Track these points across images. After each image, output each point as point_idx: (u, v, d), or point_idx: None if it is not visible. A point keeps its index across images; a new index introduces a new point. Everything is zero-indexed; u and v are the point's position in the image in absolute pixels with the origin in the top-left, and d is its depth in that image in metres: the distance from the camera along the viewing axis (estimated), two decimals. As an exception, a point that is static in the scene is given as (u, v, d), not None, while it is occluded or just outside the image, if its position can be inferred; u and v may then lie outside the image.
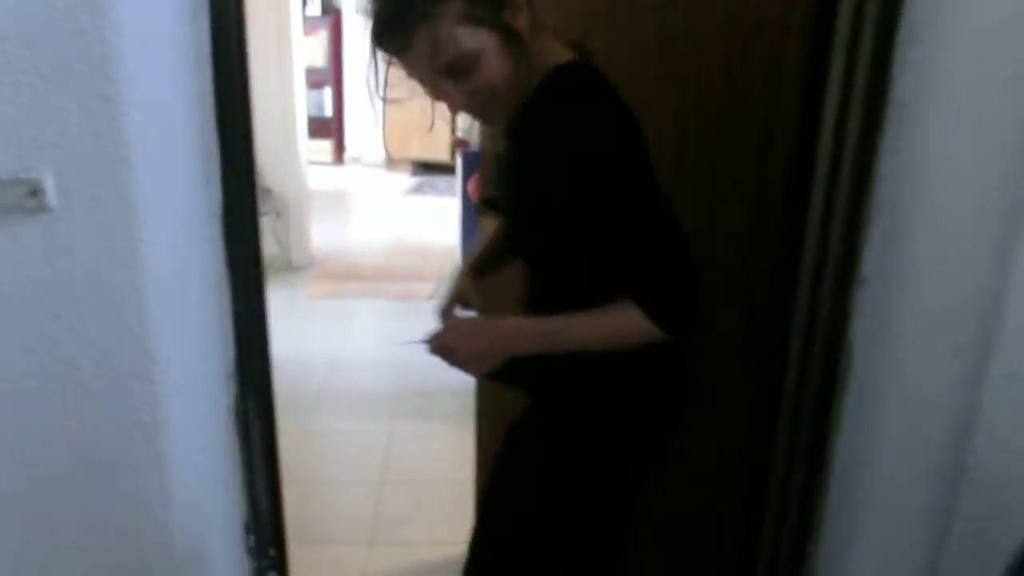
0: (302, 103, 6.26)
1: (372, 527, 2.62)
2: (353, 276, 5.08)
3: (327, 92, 9.12)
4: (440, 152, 8.25)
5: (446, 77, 1.08)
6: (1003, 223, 1.17)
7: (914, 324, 1.33)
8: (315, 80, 8.96)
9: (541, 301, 1.32)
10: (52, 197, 0.88)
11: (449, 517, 2.62)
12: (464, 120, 5.78)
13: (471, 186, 4.20)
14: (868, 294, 1.39)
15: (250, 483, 1.21)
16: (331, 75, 9.09)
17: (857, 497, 1.45)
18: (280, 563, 1.29)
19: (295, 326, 4.25)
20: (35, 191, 0.85)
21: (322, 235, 5.75)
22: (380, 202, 7.88)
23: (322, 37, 8.93)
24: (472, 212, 4.42)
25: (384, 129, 8.74)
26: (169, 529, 1.08)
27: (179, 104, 1.05)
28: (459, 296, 1.44)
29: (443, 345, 1.27)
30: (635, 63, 1.52)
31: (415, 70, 1.11)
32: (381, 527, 2.62)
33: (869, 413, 1.42)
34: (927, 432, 1.34)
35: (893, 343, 1.36)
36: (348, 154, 9.42)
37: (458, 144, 4.63)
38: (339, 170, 9.20)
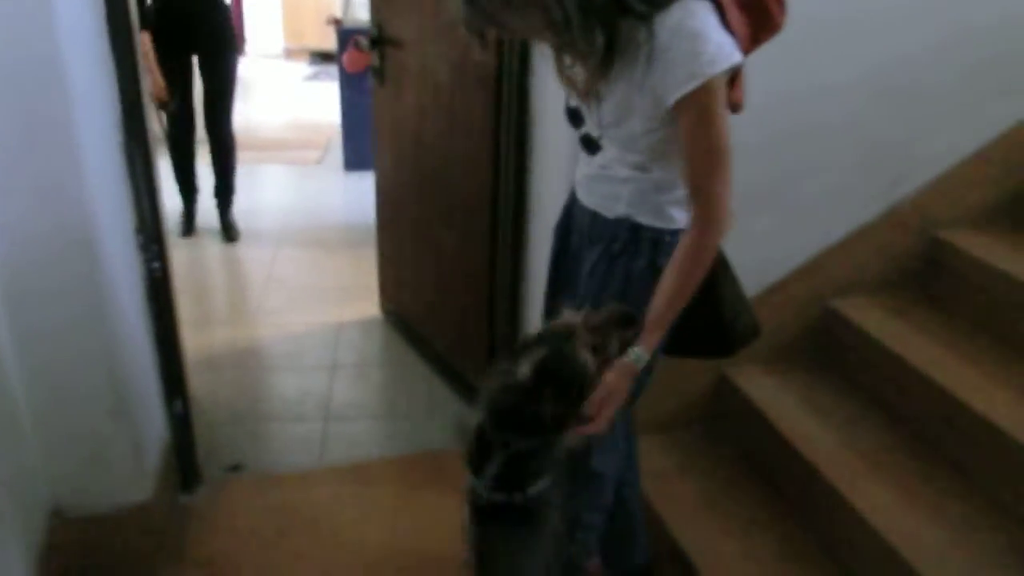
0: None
1: (255, 316, 3.39)
2: (248, 147, 5.66)
3: (224, -17, 9.37)
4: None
5: None
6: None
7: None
8: (210, -30, 9.19)
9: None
10: None
11: (310, 308, 3.44)
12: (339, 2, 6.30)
13: (345, 59, 4.82)
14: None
15: (137, 199, 1.89)
16: (227, -35, 9.32)
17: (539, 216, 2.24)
18: (160, 255, 2.00)
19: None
20: None
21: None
22: (279, 88, 8.34)
23: (215, -73, 9.10)
24: (349, 82, 5.04)
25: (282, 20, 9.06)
26: (88, 226, 1.72)
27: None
28: None
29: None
30: None
31: None
32: (262, 317, 3.38)
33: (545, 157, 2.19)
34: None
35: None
36: (249, 45, 9.72)
37: (334, 23, 5.18)
38: (241, 60, 9.55)
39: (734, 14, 1.21)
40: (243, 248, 4.10)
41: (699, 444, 2.25)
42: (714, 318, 1.49)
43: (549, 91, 2.01)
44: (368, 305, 3.38)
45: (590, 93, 1.32)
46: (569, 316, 1.30)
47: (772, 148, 2.02)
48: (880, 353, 2.06)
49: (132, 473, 1.93)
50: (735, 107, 1.28)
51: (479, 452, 1.32)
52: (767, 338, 2.21)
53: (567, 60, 1.30)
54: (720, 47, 1.16)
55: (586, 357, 1.24)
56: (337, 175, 5.31)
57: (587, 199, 1.45)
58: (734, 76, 1.24)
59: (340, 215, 4.61)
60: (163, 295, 2.04)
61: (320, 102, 7.36)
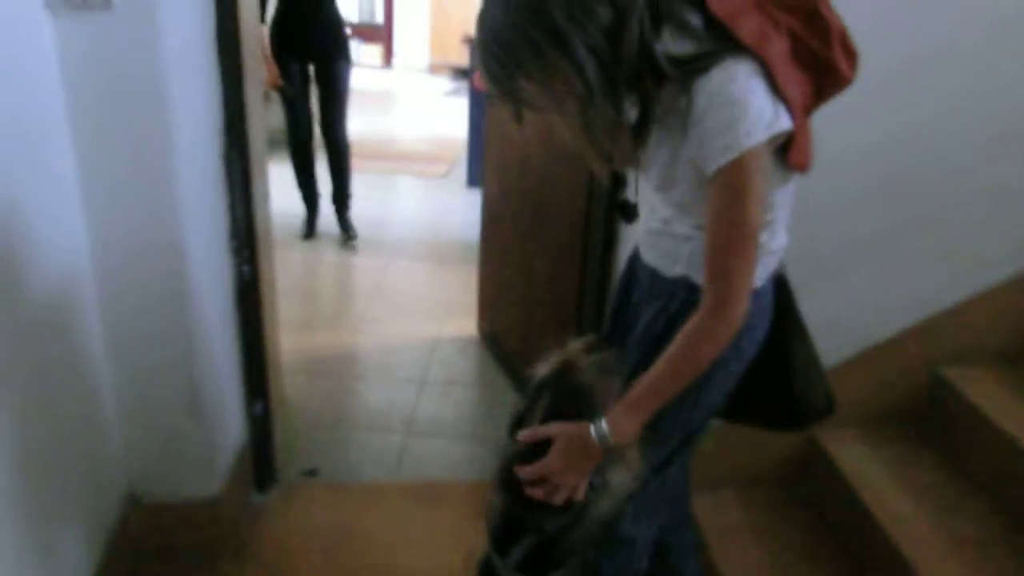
0: (345, 4, 6.96)
1: (356, 323, 3.48)
2: (382, 157, 5.87)
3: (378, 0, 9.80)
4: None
5: None
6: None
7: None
8: (367, -13, 9.64)
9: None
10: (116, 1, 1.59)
11: (410, 320, 3.50)
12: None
13: (475, 77, 4.90)
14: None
15: (232, 205, 1.99)
16: (382, -18, 9.75)
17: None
18: (251, 259, 2.08)
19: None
20: None
21: (363, 126, 6.55)
22: (419, 102, 8.62)
23: (374, -54, 9.55)
24: (477, 100, 5.12)
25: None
26: (179, 232, 1.82)
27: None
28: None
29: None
30: None
31: None
32: (363, 324, 3.47)
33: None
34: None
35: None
36: (396, 59, 10.12)
37: (468, 41, 5.28)
38: (387, 73, 9.96)
39: (787, 73, 1.09)
40: (359, 256, 4.23)
41: (776, 504, 2.11)
42: (784, 389, 1.38)
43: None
44: (467, 323, 3.40)
45: (628, 160, 1.25)
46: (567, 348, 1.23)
47: (879, 197, 1.88)
48: (992, 432, 1.85)
49: (205, 469, 2.01)
50: (799, 168, 1.16)
51: (506, 531, 1.26)
52: (864, 402, 2.06)
53: (598, 131, 1.16)
54: (759, 115, 1.05)
55: (590, 377, 1.15)
56: (460, 190, 5.41)
57: (648, 255, 1.38)
58: (790, 139, 1.12)
59: (456, 230, 4.68)
60: (251, 298, 2.11)
61: (456, 117, 7.54)
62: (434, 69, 9.82)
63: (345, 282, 3.98)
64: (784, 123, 1.08)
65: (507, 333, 3.06)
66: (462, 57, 8.88)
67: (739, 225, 1.10)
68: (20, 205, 1.47)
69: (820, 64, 1.12)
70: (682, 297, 1.29)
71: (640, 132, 1.14)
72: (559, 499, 1.20)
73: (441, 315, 3.55)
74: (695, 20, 1.10)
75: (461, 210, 5.08)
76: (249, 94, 1.98)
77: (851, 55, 1.14)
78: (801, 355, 1.38)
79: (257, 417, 2.24)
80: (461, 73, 9.28)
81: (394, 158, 5.99)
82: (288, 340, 2.75)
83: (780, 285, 1.36)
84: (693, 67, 1.07)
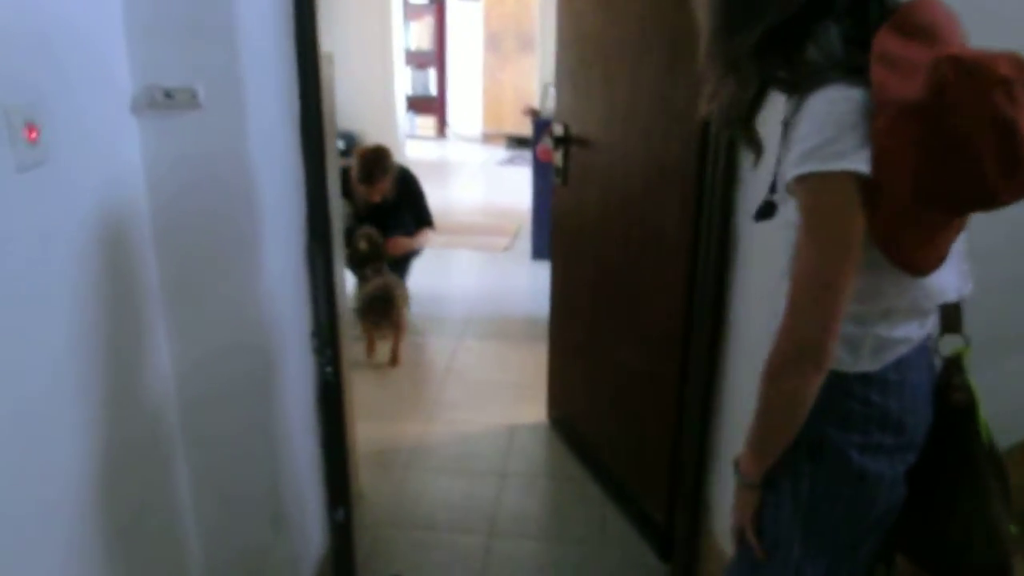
0: (401, 83, 7.05)
1: (430, 410, 3.34)
2: (441, 230, 5.80)
3: (432, 73, 9.94)
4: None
5: None
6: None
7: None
8: (421, 61, 9.81)
9: None
10: (203, 99, 1.53)
11: (485, 405, 3.36)
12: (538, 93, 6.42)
13: (540, 149, 4.85)
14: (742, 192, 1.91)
15: (315, 302, 1.89)
16: (435, 57, 9.90)
17: (737, 348, 1.99)
18: (334, 360, 1.97)
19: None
20: (194, 95, 1.51)
21: (421, 198, 6.54)
22: (475, 171, 8.63)
23: (427, 22, 9.74)
24: (541, 171, 5.06)
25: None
26: (261, 331, 1.73)
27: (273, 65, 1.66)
28: None
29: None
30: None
31: None
32: (437, 411, 3.33)
33: (748, 283, 1.95)
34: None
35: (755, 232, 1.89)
36: (450, 129, 10.21)
37: (530, 113, 5.25)
38: (441, 143, 10.04)
39: (887, 128, 0.93)
40: (427, 336, 4.13)
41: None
42: (938, 532, 1.18)
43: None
44: (541, 408, 3.24)
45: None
46: None
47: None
48: None
49: (288, 583, 1.87)
50: (907, 269, 1.02)
51: None
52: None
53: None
54: (829, 143, 0.94)
55: None
56: (524, 263, 5.30)
57: None
58: (905, 218, 0.97)
59: (523, 306, 4.56)
60: (334, 400, 1.99)
61: (513, 187, 7.51)
62: (487, 138, 9.87)
63: (416, 365, 3.84)
64: (856, 166, 0.94)
65: (584, 423, 2.89)
66: (517, 125, 8.94)
67: (811, 270, 1.01)
68: (106, 328, 1.39)
69: (954, 154, 0.91)
70: None
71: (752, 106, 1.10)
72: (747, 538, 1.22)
73: (515, 398, 3.41)
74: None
75: (526, 284, 4.97)
76: (330, 186, 1.90)
77: (1015, 166, 0.90)
78: (969, 499, 1.16)
79: (339, 523, 2.10)
80: (516, 142, 9.31)
81: (453, 231, 5.93)
82: (360, 430, 2.62)
83: (946, 397, 1.18)
84: (806, 79, 1.00)
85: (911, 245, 1.00)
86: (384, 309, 3.71)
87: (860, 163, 0.94)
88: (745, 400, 1.56)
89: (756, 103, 1.11)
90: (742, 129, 1.14)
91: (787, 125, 1.04)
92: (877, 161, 0.94)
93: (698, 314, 2.05)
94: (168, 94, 1.47)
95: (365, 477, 2.71)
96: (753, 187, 1.78)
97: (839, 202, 0.97)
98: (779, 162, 1.07)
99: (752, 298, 1.90)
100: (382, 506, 2.65)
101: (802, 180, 0.98)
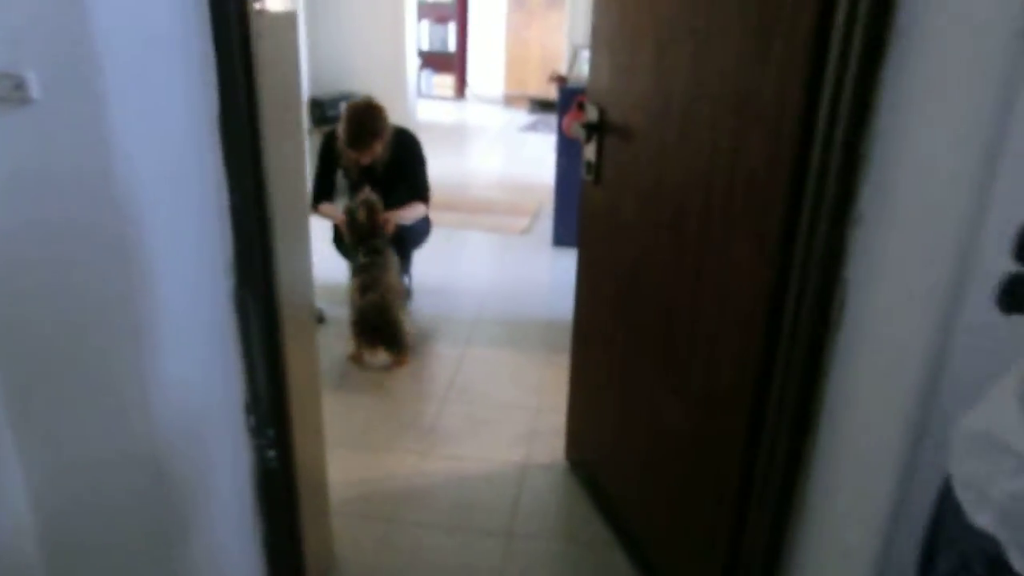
0: (412, 36, 6.40)
1: (425, 440, 2.82)
2: (453, 207, 5.24)
3: (451, 27, 9.24)
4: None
5: None
6: (982, 163, 1.14)
7: (900, 265, 1.32)
8: (440, 14, 9.12)
9: None
10: (35, 91, 1.00)
11: (491, 437, 2.83)
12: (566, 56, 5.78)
13: (566, 122, 4.24)
14: (862, 232, 1.38)
15: (249, 369, 1.37)
16: (456, 10, 9.18)
17: (839, 435, 1.46)
18: (280, 442, 1.44)
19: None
20: (19, 85, 0.98)
21: (436, 166, 5.95)
22: (494, 137, 8.01)
23: (448, -29, 9.03)
24: (566, 148, 4.48)
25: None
26: (167, 410, 1.21)
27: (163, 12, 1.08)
28: None
29: None
30: None
31: None
32: (434, 442, 2.81)
33: (856, 353, 1.42)
34: (899, 376, 1.33)
35: (878, 283, 1.35)
36: (469, 89, 9.55)
37: (556, 80, 4.63)
38: (460, 104, 9.39)
39: None
40: (431, 341, 3.59)
41: None
42: None
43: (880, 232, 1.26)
44: (558, 442, 2.71)
45: None
46: None
47: None
48: None
49: None
50: None
51: None
52: None
53: None
54: None
55: None
56: (544, 250, 4.73)
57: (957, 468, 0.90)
58: None
59: (542, 305, 4.01)
60: (279, 492, 1.47)
61: (535, 156, 6.91)
62: (509, 100, 9.21)
63: (415, 378, 3.31)
64: None
65: (610, 476, 2.37)
66: (542, 88, 8.29)
67: None
68: None
69: None
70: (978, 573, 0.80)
71: None
72: None
73: (528, 427, 2.88)
74: None
75: (546, 277, 4.42)
76: (276, 204, 1.35)
77: None
78: None
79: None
80: (540, 105, 8.67)
81: (467, 209, 5.36)
82: (338, 467, 2.11)
83: None
84: None
85: None
86: (382, 335, 3.21)
87: None
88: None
89: None
90: None
91: None
92: None
93: (778, 375, 1.50)
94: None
95: (340, 530, 2.22)
96: (889, 226, 1.24)
97: None
98: None
99: (863, 373, 1.36)
100: (360, 568, 2.15)
101: None
